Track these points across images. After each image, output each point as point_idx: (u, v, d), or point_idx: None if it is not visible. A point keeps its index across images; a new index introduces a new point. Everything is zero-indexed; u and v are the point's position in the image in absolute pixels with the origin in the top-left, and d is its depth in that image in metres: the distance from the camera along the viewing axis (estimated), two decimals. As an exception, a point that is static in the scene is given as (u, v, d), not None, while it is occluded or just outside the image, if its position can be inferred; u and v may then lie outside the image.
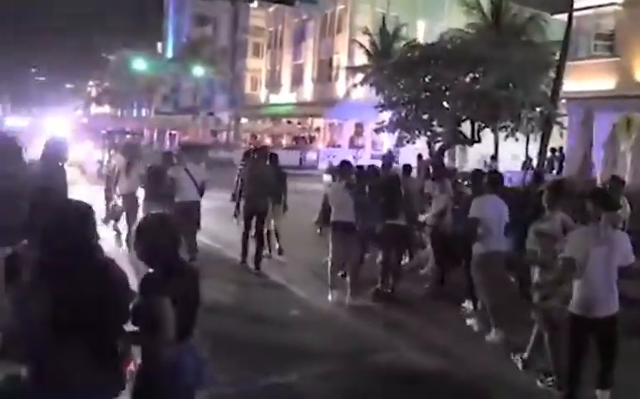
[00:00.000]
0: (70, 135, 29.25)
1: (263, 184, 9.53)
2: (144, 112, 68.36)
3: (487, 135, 20.08)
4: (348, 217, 7.87)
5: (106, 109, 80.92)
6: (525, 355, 5.91)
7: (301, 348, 6.38)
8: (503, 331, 6.72)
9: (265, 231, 10.00)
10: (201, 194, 9.21)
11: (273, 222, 10.49)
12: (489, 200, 7.03)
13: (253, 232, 9.61)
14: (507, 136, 18.90)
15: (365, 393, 5.48)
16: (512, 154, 24.38)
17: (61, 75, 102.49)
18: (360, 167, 10.37)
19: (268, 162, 10.19)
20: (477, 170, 8.25)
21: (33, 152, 7.84)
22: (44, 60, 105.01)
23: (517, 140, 19.23)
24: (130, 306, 3.18)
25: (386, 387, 5.59)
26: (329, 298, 8.02)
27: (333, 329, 7.15)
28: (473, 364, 6.13)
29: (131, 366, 3.16)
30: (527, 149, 21.01)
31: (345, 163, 8.53)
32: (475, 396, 5.61)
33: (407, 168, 10.69)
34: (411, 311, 7.88)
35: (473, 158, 26.16)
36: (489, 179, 7.42)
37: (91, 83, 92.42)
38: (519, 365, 5.91)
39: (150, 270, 3.17)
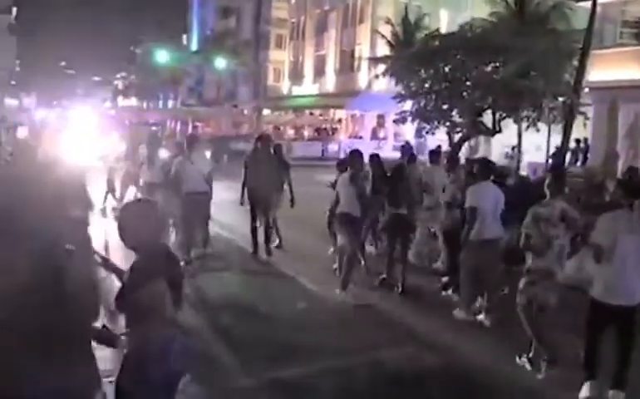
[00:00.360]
0: (97, 127, 29.82)
1: (265, 174, 9.50)
2: (170, 104, 69.12)
3: (510, 125, 19.72)
4: (350, 209, 7.79)
5: (133, 101, 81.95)
6: (531, 354, 5.74)
7: (306, 343, 6.33)
8: (469, 310, 7.05)
9: (271, 219, 9.97)
10: (210, 185, 9.20)
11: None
12: (484, 188, 6.91)
13: (258, 223, 9.62)
14: (528, 126, 18.55)
15: (369, 389, 5.43)
16: (535, 145, 23.93)
17: (89, 68, 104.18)
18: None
19: (272, 152, 10.18)
20: (474, 161, 8.16)
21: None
22: (72, 53, 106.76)
23: (538, 130, 18.86)
24: (117, 293, 3.18)
25: (390, 383, 5.53)
26: (337, 291, 7.93)
27: (339, 323, 7.08)
28: (478, 361, 6.02)
29: None
30: (548, 139, 20.58)
31: (354, 152, 8.35)
32: (480, 393, 5.50)
33: (412, 158, 10.67)
34: (417, 306, 7.79)
35: (496, 149, 25.78)
36: (479, 166, 7.29)
37: (117, 76, 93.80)
38: (527, 365, 5.73)
39: (138, 257, 3.16)
